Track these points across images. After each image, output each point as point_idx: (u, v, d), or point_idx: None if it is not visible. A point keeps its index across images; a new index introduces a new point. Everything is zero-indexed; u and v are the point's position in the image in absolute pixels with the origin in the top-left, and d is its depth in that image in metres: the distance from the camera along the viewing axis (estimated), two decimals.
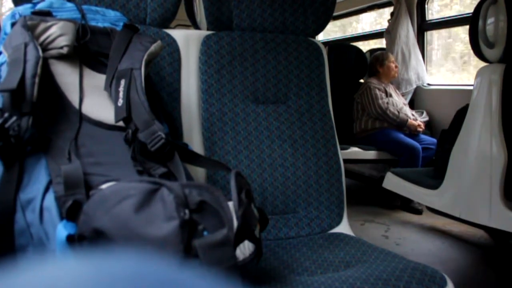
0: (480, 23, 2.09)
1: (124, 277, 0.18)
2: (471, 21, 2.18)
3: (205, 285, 0.20)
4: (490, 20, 2.09)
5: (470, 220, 2.13)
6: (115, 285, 0.17)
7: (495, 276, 2.30)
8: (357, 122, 3.98)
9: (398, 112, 3.75)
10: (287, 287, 0.96)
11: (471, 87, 2.22)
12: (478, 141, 2.12)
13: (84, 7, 1.14)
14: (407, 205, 3.53)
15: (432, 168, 2.95)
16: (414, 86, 4.22)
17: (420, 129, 3.77)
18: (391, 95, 3.88)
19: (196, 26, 1.54)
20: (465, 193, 2.17)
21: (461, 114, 2.47)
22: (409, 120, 3.75)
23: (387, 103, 3.78)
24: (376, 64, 4.05)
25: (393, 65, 4.00)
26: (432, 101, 3.94)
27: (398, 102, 3.85)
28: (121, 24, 1.16)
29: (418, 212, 3.47)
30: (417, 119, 3.84)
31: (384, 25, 4.63)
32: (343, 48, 4.52)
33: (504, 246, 2.79)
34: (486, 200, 2.04)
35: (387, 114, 3.74)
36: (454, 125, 2.57)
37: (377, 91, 3.84)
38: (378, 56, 4.07)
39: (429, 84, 4.21)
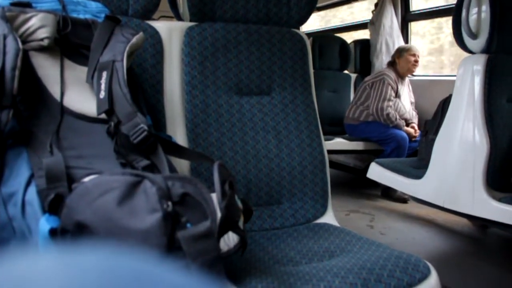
0: (463, 13, 2.11)
1: (95, 269, 0.18)
2: (455, 11, 2.19)
3: (179, 278, 0.19)
4: (473, 11, 2.10)
5: (454, 209, 2.16)
6: (85, 277, 0.17)
7: (478, 263, 2.34)
8: (353, 107, 3.86)
9: (396, 119, 3.62)
10: (272, 277, 0.97)
11: (454, 78, 2.24)
12: (461, 131, 2.15)
13: None
14: (391, 194, 3.54)
15: (416, 158, 2.98)
16: None
17: (415, 136, 3.69)
18: (399, 96, 3.72)
19: (179, 17, 1.53)
20: (449, 182, 2.19)
21: (444, 104, 2.50)
22: (404, 128, 3.66)
23: (390, 107, 3.63)
24: (395, 53, 3.84)
25: (411, 58, 3.72)
26: (415, 92, 3.96)
27: (403, 107, 3.72)
28: (103, 15, 1.14)
29: (404, 201, 3.47)
30: (414, 125, 3.76)
31: None
32: (327, 39, 4.52)
33: (486, 234, 2.83)
34: (469, 189, 2.06)
35: (385, 118, 3.61)
36: (437, 115, 2.60)
37: (389, 90, 3.65)
38: (400, 46, 3.88)
39: (412, 75, 4.24)
